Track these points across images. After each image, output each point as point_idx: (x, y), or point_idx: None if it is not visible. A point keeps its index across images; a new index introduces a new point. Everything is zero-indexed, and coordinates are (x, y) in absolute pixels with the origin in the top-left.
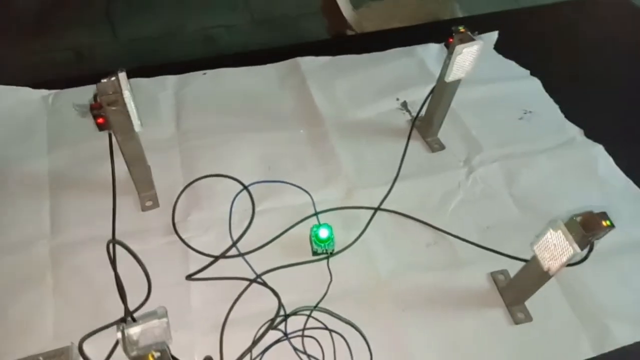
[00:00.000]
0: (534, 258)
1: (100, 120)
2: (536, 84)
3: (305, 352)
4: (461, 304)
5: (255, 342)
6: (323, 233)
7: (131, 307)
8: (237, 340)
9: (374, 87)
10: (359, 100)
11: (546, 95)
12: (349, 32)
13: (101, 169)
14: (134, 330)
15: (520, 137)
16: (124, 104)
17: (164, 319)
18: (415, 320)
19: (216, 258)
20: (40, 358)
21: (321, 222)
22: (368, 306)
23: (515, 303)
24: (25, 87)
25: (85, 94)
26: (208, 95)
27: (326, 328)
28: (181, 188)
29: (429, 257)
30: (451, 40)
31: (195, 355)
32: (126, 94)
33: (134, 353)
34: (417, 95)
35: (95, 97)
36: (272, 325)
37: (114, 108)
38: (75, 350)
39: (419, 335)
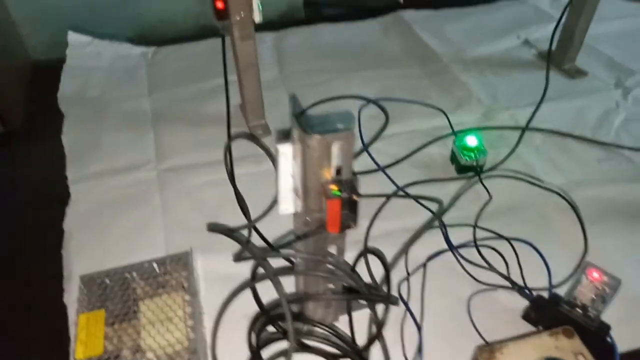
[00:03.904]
0: None
1: (219, 3)
2: None
3: (487, 263)
4: None
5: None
6: (471, 140)
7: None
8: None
9: (488, 29)
10: (476, 40)
11: None
12: None
13: (200, 108)
14: None
15: None
16: None
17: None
18: (607, 234)
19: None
20: (154, 264)
21: None
22: (542, 222)
23: None
24: (126, 44)
25: (182, 50)
26: (308, 46)
27: (501, 236)
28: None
29: (604, 171)
30: None
31: None
32: None
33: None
34: (540, 33)
35: None
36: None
37: None
38: (192, 255)
39: (615, 249)
